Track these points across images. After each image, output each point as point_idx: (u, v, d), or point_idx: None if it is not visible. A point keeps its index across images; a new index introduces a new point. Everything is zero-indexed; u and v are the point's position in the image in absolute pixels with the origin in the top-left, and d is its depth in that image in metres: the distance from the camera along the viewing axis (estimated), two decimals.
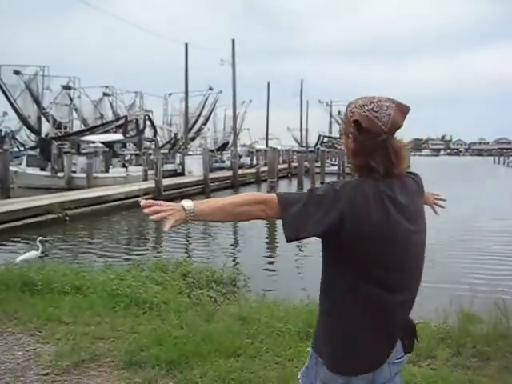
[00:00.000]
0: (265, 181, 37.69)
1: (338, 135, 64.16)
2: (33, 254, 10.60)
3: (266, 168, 42.80)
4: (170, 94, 50.67)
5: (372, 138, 1.87)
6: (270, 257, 14.58)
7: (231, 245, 15.74)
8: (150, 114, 41.03)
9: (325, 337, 2.02)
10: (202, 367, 4.20)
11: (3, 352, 4.55)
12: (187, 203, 1.81)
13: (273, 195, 1.89)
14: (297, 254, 14.97)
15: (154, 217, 1.75)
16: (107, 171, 33.19)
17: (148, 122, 39.97)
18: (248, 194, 1.96)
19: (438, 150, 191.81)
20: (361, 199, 1.82)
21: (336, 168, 47.75)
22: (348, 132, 1.95)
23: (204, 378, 3.99)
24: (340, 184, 1.87)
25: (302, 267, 12.73)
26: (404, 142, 1.96)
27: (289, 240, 1.85)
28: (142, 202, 1.79)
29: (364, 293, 1.89)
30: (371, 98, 1.93)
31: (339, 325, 1.96)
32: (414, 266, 1.98)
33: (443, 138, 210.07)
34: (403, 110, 1.94)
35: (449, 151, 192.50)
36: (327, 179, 40.08)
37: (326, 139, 63.17)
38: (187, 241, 16.34)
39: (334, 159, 53.26)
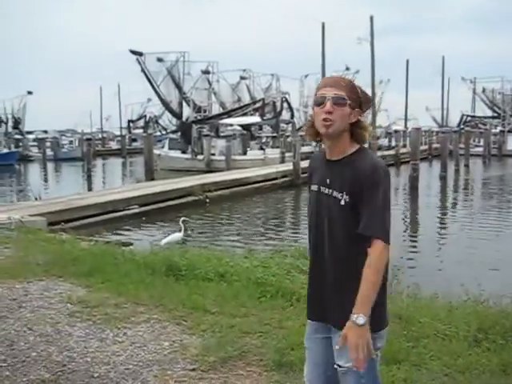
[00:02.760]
0: (404, 163, 36.20)
1: (482, 114, 60.22)
2: (176, 235, 10.75)
3: (404, 150, 41.19)
4: (307, 76, 50.15)
5: None
6: (412, 238, 13.78)
7: None
8: (286, 95, 40.91)
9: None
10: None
11: (150, 341, 4.40)
12: (359, 320, 2.09)
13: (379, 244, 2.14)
14: (436, 236, 14.02)
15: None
16: (245, 154, 33.60)
17: (285, 104, 39.88)
18: (379, 263, 2.14)
19: None
20: None
21: (481, 149, 44.84)
22: None
23: None
24: (385, 168, 2.23)
25: (445, 252, 11.82)
26: None
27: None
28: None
29: None
30: None
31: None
32: None
33: None
34: None
35: None
36: (472, 161, 37.65)
37: (468, 119, 59.48)
38: None
39: (477, 140, 49.98)
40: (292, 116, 41.34)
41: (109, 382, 3.70)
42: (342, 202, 2.20)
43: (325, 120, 2.20)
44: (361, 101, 2.27)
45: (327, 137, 2.26)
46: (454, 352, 4.18)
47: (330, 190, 2.25)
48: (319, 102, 2.23)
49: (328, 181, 2.27)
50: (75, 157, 46.85)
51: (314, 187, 2.35)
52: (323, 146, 2.35)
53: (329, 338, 2.35)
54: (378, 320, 2.22)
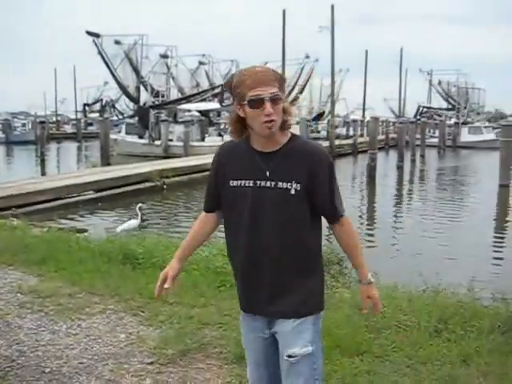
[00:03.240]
0: (361, 152, 36.55)
1: (437, 106, 61.35)
2: (132, 222, 10.52)
3: (362, 139, 41.62)
4: (266, 63, 49.76)
5: None
6: (368, 227, 13.90)
7: None
8: None
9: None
10: (324, 367, 3.65)
11: (106, 333, 4.24)
12: (373, 278, 2.38)
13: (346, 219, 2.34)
14: (392, 225, 14.20)
15: None
16: (203, 140, 33.31)
17: None
18: (355, 233, 2.45)
19: None
20: None
21: (436, 140, 45.70)
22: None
23: (329, 381, 3.44)
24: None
25: (402, 241, 11.94)
26: None
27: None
28: None
29: None
30: None
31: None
32: None
33: None
34: None
35: None
36: (427, 152, 38.32)
37: (424, 110, 60.55)
38: None
39: (432, 131, 50.92)
40: None
41: (61, 377, 3.53)
42: (292, 192, 2.16)
43: (267, 122, 2.10)
44: (284, 87, 2.22)
45: (269, 136, 2.16)
46: (415, 343, 4.16)
47: (273, 182, 2.18)
48: (256, 104, 2.10)
49: (268, 173, 2.18)
50: (28, 140, 45.63)
51: (241, 182, 2.23)
52: (234, 138, 2.29)
53: (269, 334, 2.31)
54: (323, 299, 2.34)
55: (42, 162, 30.68)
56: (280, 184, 2.17)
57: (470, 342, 4.17)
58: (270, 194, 2.18)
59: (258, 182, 2.19)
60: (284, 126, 2.18)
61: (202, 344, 4.02)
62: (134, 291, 5.15)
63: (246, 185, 2.21)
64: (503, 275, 8.96)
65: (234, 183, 2.24)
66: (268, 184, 2.18)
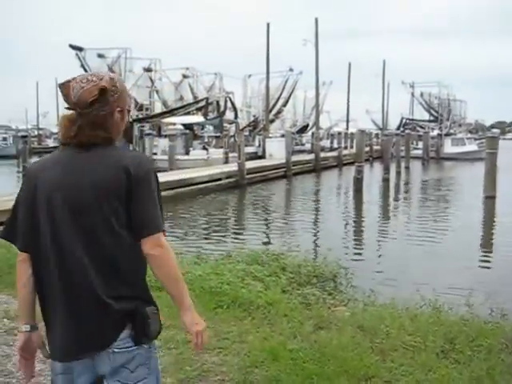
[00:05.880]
0: (346, 164, 36.57)
1: (420, 117, 61.72)
2: None
3: (347, 151, 41.68)
4: (250, 76, 49.93)
5: None
6: (356, 242, 13.76)
7: (312, 231, 14.94)
8: (231, 95, 40.60)
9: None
10: None
11: None
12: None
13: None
14: (384, 237, 14.08)
15: None
16: (187, 153, 33.07)
17: (229, 104, 39.56)
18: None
19: None
20: None
21: (420, 152, 45.89)
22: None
23: None
24: None
25: (390, 255, 11.81)
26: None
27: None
28: None
29: None
30: None
31: None
32: None
33: None
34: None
35: None
36: (411, 164, 38.42)
37: (407, 121, 60.90)
38: (267, 226, 15.76)
39: (415, 143, 51.16)
40: (236, 116, 41.04)
41: None
42: None
43: None
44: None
45: None
46: (424, 365, 4.01)
47: None
48: None
49: None
50: (9, 154, 44.97)
51: None
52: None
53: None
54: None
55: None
56: None
57: (480, 364, 4.03)
58: None
59: None
60: None
61: (203, 371, 3.82)
62: None
63: None
64: (495, 285, 8.89)
65: None
66: None
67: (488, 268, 10.82)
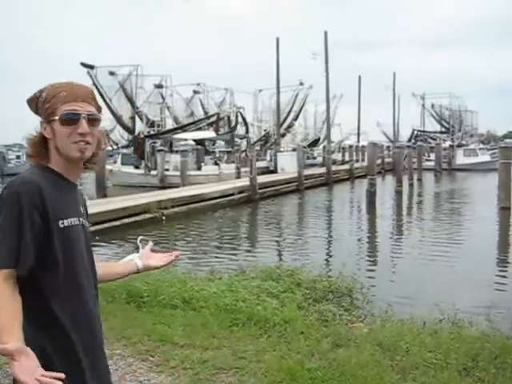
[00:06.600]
0: (358, 177, 36.40)
1: (432, 129, 61.52)
2: (134, 256, 10.20)
3: (359, 164, 41.52)
4: (261, 90, 50.02)
5: None
6: (370, 257, 13.59)
7: (325, 246, 14.79)
8: (241, 110, 40.68)
9: None
10: None
11: (115, 382, 3.93)
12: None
13: None
14: (399, 251, 13.91)
15: None
16: (200, 169, 33.12)
17: (240, 119, 39.65)
18: None
19: None
20: None
21: (432, 163, 45.65)
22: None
23: None
24: None
25: (405, 267, 11.65)
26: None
27: None
28: None
29: None
30: None
31: None
32: None
33: None
34: None
35: None
36: (424, 175, 38.22)
37: (419, 133, 60.69)
38: (280, 242, 15.62)
39: (427, 154, 50.91)
40: (247, 131, 41.10)
41: None
42: (89, 229, 1.97)
43: (80, 142, 1.83)
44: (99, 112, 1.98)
45: (79, 161, 1.89)
46: None
47: (85, 220, 1.93)
48: (70, 121, 1.81)
49: (82, 209, 1.95)
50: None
51: (72, 221, 1.83)
52: (34, 162, 1.90)
53: None
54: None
55: None
56: (85, 221, 1.94)
57: (506, 382, 3.91)
58: (86, 234, 1.92)
59: (82, 220, 1.91)
60: (91, 159, 1.93)
61: None
62: (142, 333, 4.87)
63: (77, 223, 1.86)
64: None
65: (65, 222, 1.81)
66: (84, 221, 1.92)
67: (505, 284, 10.61)
